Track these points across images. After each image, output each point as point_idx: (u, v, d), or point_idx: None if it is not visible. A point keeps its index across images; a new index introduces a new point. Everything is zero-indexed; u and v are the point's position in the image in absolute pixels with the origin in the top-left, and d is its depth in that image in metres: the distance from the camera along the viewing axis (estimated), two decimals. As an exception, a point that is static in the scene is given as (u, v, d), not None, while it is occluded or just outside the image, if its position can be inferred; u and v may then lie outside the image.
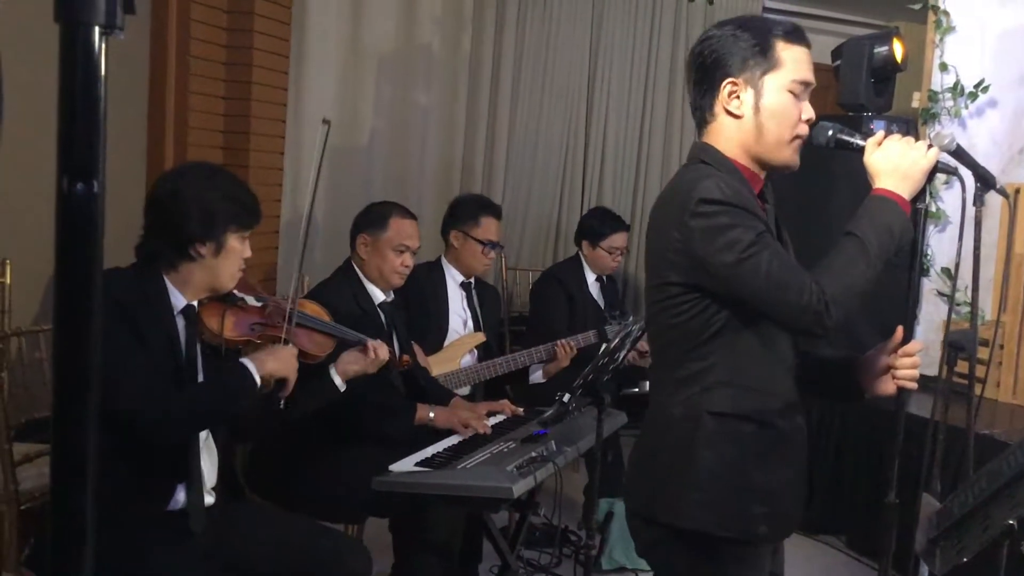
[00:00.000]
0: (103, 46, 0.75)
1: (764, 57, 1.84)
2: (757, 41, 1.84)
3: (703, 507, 1.85)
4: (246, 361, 2.31)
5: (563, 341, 4.10)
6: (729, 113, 1.87)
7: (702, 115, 1.93)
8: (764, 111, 1.85)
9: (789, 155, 1.88)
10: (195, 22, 4.29)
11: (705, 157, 1.90)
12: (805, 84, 1.86)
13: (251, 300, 2.50)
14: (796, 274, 1.75)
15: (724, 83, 1.86)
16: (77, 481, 0.80)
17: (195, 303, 2.38)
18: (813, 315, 1.73)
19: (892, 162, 1.80)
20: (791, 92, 1.85)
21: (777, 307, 1.78)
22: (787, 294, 1.74)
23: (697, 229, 1.78)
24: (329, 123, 2.51)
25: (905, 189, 1.79)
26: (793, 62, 1.85)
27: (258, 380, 2.30)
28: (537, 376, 4.23)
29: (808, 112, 1.88)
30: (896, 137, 1.83)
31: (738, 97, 1.86)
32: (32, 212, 2.53)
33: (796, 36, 1.87)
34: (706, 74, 1.89)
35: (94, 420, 0.79)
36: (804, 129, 1.87)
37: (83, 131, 0.75)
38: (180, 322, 2.35)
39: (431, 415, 3.11)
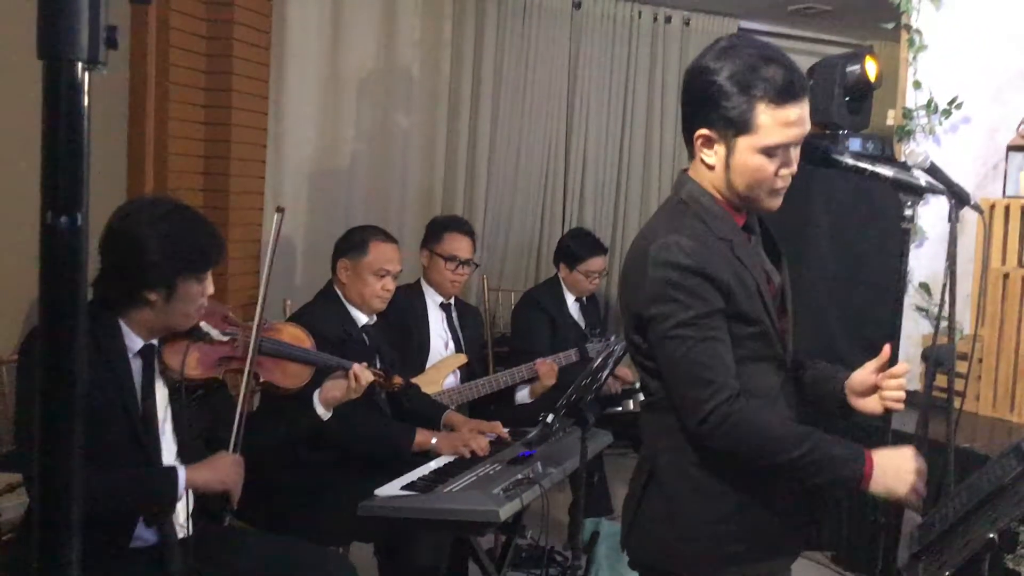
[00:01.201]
0: (86, 81, 0.75)
1: (743, 118, 1.75)
2: (741, 100, 1.75)
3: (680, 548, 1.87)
4: (179, 469, 2.22)
5: (542, 360, 4.12)
6: (702, 161, 1.84)
7: (690, 148, 1.89)
8: (734, 169, 1.80)
9: (765, 203, 1.85)
10: (174, 48, 4.30)
11: (684, 194, 1.88)
12: (780, 147, 1.78)
13: (217, 334, 2.40)
14: (714, 373, 1.74)
15: (698, 132, 1.82)
16: (61, 514, 0.80)
17: (154, 342, 2.31)
18: (699, 422, 1.74)
19: (895, 468, 1.77)
20: (765, 153, 1.78)
21: (677, 391, 1.80)
22: (692, 388, 1.76)
23: (648, 283, 1.79)
24: (283, 211, 2.48)
25: (877, 488, 1.76)
26: (775, 126, 1.75)
27: (181, 490, 2.20)
28: (524, 396, 4.24)
29: (789, 166, 1.81)
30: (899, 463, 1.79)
31: (712, 148, 1.81)
32: (9, 243, 2.52)
33: (786, 96, 1.75)
34: (690, 108, 1.84)
35: (78, 453, 0.79)
36: (781, 183, 1.82)
37: (67, 165, 0.75)
38: (137, 363, 2.28)
39: (434, 441, 3.09)
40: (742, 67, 1.76)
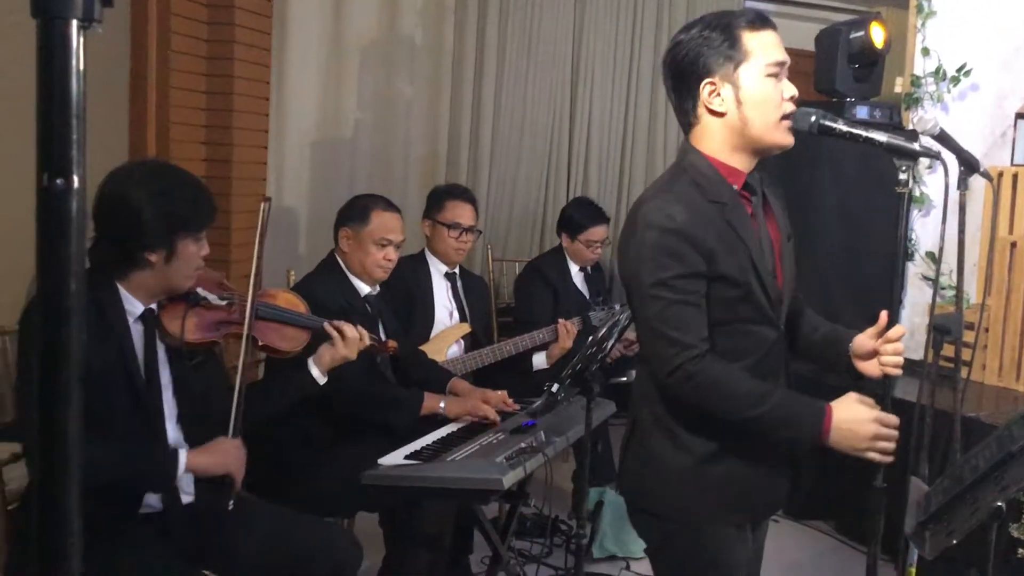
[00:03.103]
0: (81, 40, 0.74)
1: (734, 51, 1.88)
2: (725, 37, 1.88)
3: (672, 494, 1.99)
4: (181, 452, 2.23)
5: (563, 321, 4.13)
6: (712, 112, 1.92)
7: (686, 119, 1.98)
8: (746, 102, 1.89)
9: (781, 136, 1.92)
10: (175, 16, 4.26)
11: (683, 160, 1.97)
12: (779, 64, 1.90)
13: (214, 299, 2.41)
14: (681, 333, 1.84)
15: (703, 84, 1.90)
16: (61, 479, 0.79)
17: (153, 306, 2.31)
18: (666, 376, 1.87)
19: (849, 422, 1.83)
20: (768, 76, 1.89)
21: (649, 346, 1.93)
22: (662, 344, 1.87)
23: (634, 244, 1.89)
24: (269, 201, 2.48)
25: (837, 445, 1.84)
26: (762, 48, 1.89)
27: (181, 470, 2.21)
28: (540, 361, 4.25)
29: (789, 90, 1.92)
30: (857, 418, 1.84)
31: (719, 95, 1.90)
32: (9, 210, 2.50)
33: (760, 22, 1.91)
34: (683, 79, 1.93)
35: (77, 416, 0.78)
36: (789, 107, 1.91)
37: (62, 127, 0.74)
38: (138, 328, 2.28)
39: (442, 405, 3.09)
40: (711, 18, 1.93)
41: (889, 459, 1.85)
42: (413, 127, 5.46)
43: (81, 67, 0.74)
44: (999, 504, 1.66)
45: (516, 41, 5.65)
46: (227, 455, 2.30)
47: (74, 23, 0.73)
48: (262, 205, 2.45)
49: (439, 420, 3.09)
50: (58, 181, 0.74)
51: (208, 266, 2.44)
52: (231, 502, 2.32)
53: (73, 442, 0.77)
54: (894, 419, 1.84)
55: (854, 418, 1.82)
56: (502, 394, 3.29)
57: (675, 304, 1.84)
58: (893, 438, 1.84)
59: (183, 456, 2.22)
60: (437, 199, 4.01)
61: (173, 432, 2.34)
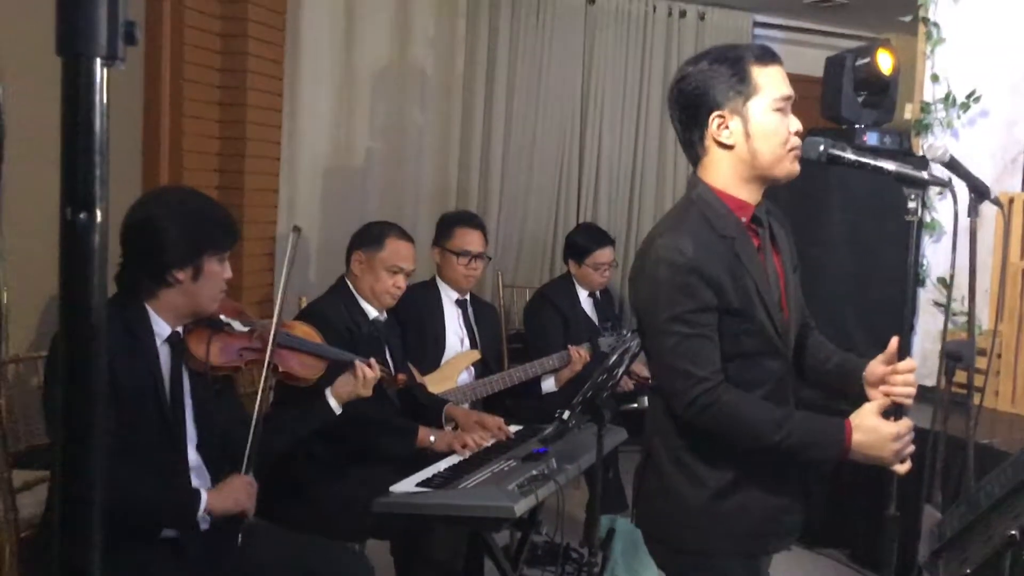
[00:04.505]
0: (104, 77, 0.75)
1: (744, 85, 1.89)
2: (734, 71, 1.90)
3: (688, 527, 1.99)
4: (204, 493, 2.27)
5: (575, 347, 4.14)
6: (721, 145, 1.93)
7: (694, 151, 1.99)
8: (755, 135, 1.90)
9: (788, 167, 1.94)
10: (188, 46, 4.31)
11: (694, 195, 1.98)
12: (786, 99, 1.92)
13: (238, 325, 2.47)
14: (697, 367, 1.86)
15: (712, 117, 1.92)
16: (84, 506, 0.80)
17: (180, 330, 2.35)
18: (683, 409, 1.88)
19: (871, 444, 1.84)
20: (776, 110, 1.90)
21: (664, 381, 1.94)
22: (678, 378, 1.88)
23: (646, 279, 1.92)
24: (299, 230, 2.53)
25: (860, 456, 1.85)
26: (770, 82, 1.90)
27: (201, 512, 2.25)
28: (550, 385, 4.26)
29: (795, 124, 1.93)
30: (882, 430, 1.85)
31: (727, 127, 1.91)
32: (27, 240, 2.53)
33: (768, 57, 1.93)
34: (692, 111, 1.95)
35: (100, 447, 0.79)
36: (796, 140, 1.92)
37: (85, 162, 0.75)
38: (165, 351, 2.32)
39: (432, 439, 3.10)
40: (719, 51, 1.95)
41: (908, 467, 1.86)
42: (424, 155, 5.50)
43: (105, 104, 0.75)
44: (1013, 532, 1.66)
45: (526, 70, 5.69)
46: (240, 493, 2.34)
47: (98, 61, 0.75)
48: (292, 235, 2.52)
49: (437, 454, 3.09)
50: (81, 216, 0.75)
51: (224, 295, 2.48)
52: (240, 536, 2.35)
53: (96, 471, 0.78)
54: (909, 424, 1.86)
55: (874, 432, 1.83)
56: (499, 420, 3.29)
57: (689, 338, 1.86)
58: (911, 443, 1.85)
59: (204, 497, 2.26)
60: (446, 227, 4.03)
61: (194, 457, 2.38)
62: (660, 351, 1.91)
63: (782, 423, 1.84)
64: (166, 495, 2.28)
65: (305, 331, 2.81)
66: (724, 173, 1.95)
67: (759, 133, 1.90)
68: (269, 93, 4.83)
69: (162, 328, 2.32)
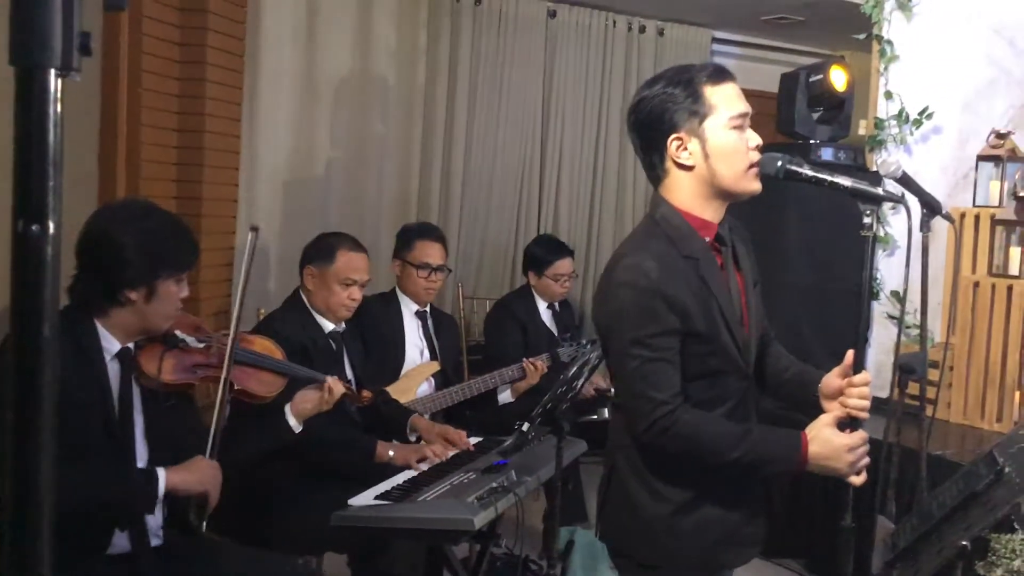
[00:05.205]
0: (58, 88, 0.75)
1: (699, 105, 1.91)
2: (688, 93, 1.92)
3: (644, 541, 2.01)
4: (160, 470, 2.20)
5: (529, 360, 4.15)
6: (680, 166, 1.95)
7: (654, 172, 2.01)
8: (713, 155, 1.92)
9: (748, 183, 1.95)
10: (146, 55, 4.26)
11: (657, 215, 1.99)
12: (742, 116, 1.94)
13: (192, 341, 2.41)
14: (657, 390, 1.87)
15: (670, 140, 1.94)
16: (33, 517, 0.79)
17: (130, 346, 2.30)
18: (643, 431, 1.90)
19: (827, 456, 1.87)
20: (733, 128, 1.92)
21: (625, 401, 1.96)
22: (638, 401, 1.90)
23: (610, 300, 1.93)
24: (258, 230, 2.48)
25: (817, 468, 1.88)
26: (725, 101, 1.92)
27: (162, 490, 2.18)
28: (506, 396, 4.26)
29: (754, 139, 1.95)
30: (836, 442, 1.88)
31: (686, 149, 1.93)
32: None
33: (720, 75, 1.95)
34: (650, 135, 1.97)
35: (49, 459, 0.79)
36: (755, 156, 1.94)
37: (39, 173, 0.75)
38: (114, 366, 2.27)
39: (391, 453, 3.08)
40: (672, 73, 1.97)
41: (863, 478, 1.88)
42: (385, 166, 5.48)
43: (59, 114, 0.74)
44: (964, 543, 1.68)
45: (487, 82, 5.71)
46: (204, 472, 2.28)
47: (52, 71, 0.74)
48: (250, 234, 2.46)
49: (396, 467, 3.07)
50: (34, 227, 0.74)
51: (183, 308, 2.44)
52: (204, 523, 2.30)
53: (46, 486, 0.77)
54: (864, 435, 1.88)
55: (829, 444, 1.86)
56: (461, 433, 3.28)
57: (650, 362, 1.88)
58: (866, 454, 1.88)
59: (162, 474, 2.20)
60: (406, 239, 4.02)
61: None
62: (621, 373, 1.94)
63: (740, 441, 1.87)
64: (120, 478, 2.20)
65: (265, 346, 2.76)
66: (686, 193, 1.96)
67: (717, 152, 1.92)
68: (228, 103, 4.79)
69: (111, 344, 2.27)
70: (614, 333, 1.94)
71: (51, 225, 0.75)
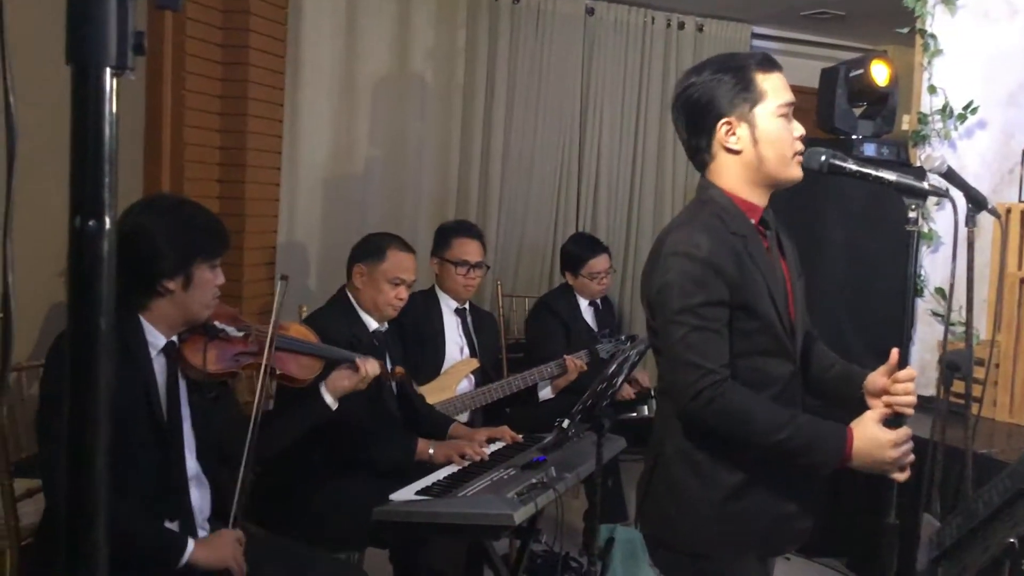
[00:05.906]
0: (113, 87, 0.76)
1: (749, 92, 1.95)
2: (738, 79, 1.95)
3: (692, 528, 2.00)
4: (190, 542, 2.22)
5: (570, 356, 4.17)
6: (728, 150, 1.98)
7: (701, 157, 2.03)
8: (762, 140, 1.95)
9: (792, 171, 1.98)
10: (190, 56, 4.32)
11: (704, 195, 2.02)
12: (789, 105, 1.98)
13: (232, 330, 2.45)
14: (704, 359, 1.86)
15: (719, 124, 1.96)
16: (89, 517, 0.80)
17: (175, 339, 2.33)
18: (688, 400, 1.88)
19: (871, 452, 1.86)
20: (780, 116, 1.96)
21: (671, 372, 1.95)
22: (685, 369, 1.88)
23: (660, 271, 1.93)
24: (287, 279, 2.51)
25: (860, 463, 1.87)
26: (774, 89, 1.96)
27: (183, 562, 2.19)
28: (546, 392, 4.27)
29: (798, 129, 1.98)
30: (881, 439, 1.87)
31: (735, 133, 1.96)
32: (31, 248, 2.54)
33: (770, 64, 1.99)
34: (698, 119, 1.99)
35: (105, 453, 0.80)
36: (799, 145, 1.97)
37: (94, 170, 0.76)
38: (160, 361, 2.30)
39: (431, 451, 3.10)
40: (721, 60, 2.01)
41: (907, 475, 1.87)
42: (424, 165, 5.51)
43: (114, 113, 0.76)
44: (1011, 541, 1.66)
45: (525, 80, 5.71)
46: (226, 549, 2.29)
47: (108, 70, 0.76)
48: (279, 283, 2.51)
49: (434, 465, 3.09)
50: (91, 223, 0.76)
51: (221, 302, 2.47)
52: None
53: (100, 479, 0.79)
54: (908, 431, 1.87)
55: (875, 440, 1.85)
56: (503, 429, 3.30)
57: (698, 330, 1.87)
58: (911, 451, 1.87)
59: (190, 546, 2.22)
60: (444, 237, 4.04)
61: (193, 465, 2.37)
62: (669, 342, 1.91)
63: (786, 424, 1.85)
64: (154, 536, 2.23)
65: (300, 331, 2.80)
66: (732, 177, 1.99)
67: (765, 138, 1.95)
68: (270, 103, 4.84)
69: (156, 339, 2.30)
70: (663, 304, 1.92)
71: (107, 221, 0.77)
